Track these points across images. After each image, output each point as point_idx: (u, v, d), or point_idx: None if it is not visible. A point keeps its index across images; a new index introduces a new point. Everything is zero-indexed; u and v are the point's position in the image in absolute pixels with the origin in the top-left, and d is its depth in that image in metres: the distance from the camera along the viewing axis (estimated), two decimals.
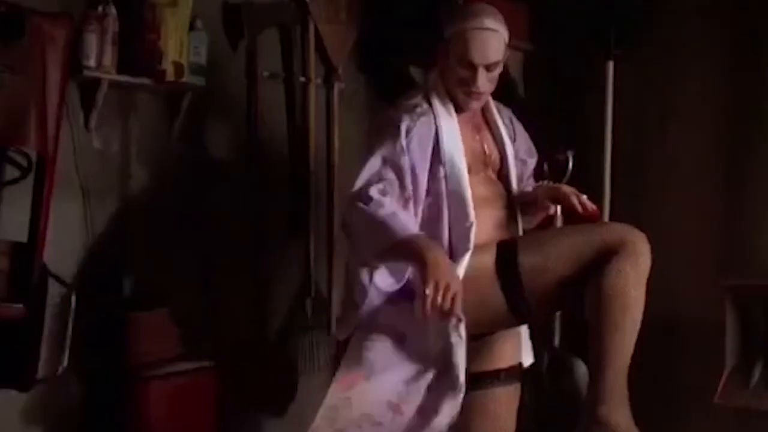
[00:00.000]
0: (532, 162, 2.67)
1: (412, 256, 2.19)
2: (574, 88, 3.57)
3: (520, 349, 2.58)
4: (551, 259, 2.31)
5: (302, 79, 3.27)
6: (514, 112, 2.70)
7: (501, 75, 2.48)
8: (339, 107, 3.33)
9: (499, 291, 2.33)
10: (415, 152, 2.35)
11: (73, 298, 2.57)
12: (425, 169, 2.37)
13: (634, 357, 2.28)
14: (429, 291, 2.11)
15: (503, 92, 2.65)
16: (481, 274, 2.31)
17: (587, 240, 2.31)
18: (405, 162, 2.33)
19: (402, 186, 2.33)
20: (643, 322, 2.29)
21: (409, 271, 2.33)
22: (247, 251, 3.16)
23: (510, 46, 2.51)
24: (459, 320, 2.23)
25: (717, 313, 3.12)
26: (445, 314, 2.16)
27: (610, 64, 3.36)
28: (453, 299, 2.13)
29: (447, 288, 2.13)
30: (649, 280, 2.28)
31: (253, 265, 3.18)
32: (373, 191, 2.27)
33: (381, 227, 2.22)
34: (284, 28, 3.27)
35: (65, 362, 2.55)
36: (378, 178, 2.31)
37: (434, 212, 2.37)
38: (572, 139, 3.23)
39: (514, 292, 2.32)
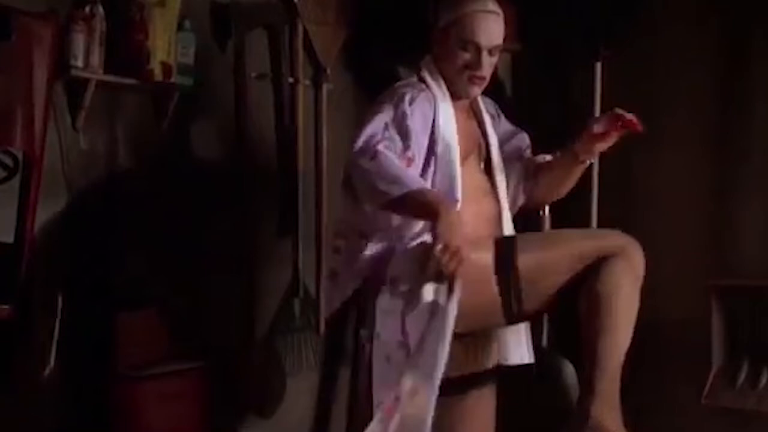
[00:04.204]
0: (522, 136, 2.68)
1: (425, 209, 2.19)
2: (562, 89, 3.57)
3: (503, 348, 2.59)
4: (551, 262, 2.32)
5: (290, 79, 3.26)
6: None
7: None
8: (327, 108, 3.33)
9: (494, 289, 2.31)
10: (417, 121, 2.36)
11: (60, 299, 2.56)
12: (425, 139, 2.38)
13: None
14: (437, 252, 2.11)
15: (491, 92, 2.66)
16: (479, 271, 2.29)
17: (586, 245, 2.34)
18: (407, 127, 2.33)
19: (405, 146, 2.32)
20: None
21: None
22: (235, 251, 3.16)
23: None
24: (451, 289, 2.18)
25: (703, 314, 3.14)
26: (444, 276, 2.15)
27: (599, 66, 3.37)
28: (457, 264, 2.13)
29: (455, 253, 2.12)
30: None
31: (242, 265, 3.17)
32: (380, 146, 2.26)
33: (391, 178, 2.20)
34: (272, 28, 3.27)
35: (52, 363, 2.54)
36: (381, 136, 2.30)
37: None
38: (560, 141, 3.24)
39: (511, 292, 2.32)
